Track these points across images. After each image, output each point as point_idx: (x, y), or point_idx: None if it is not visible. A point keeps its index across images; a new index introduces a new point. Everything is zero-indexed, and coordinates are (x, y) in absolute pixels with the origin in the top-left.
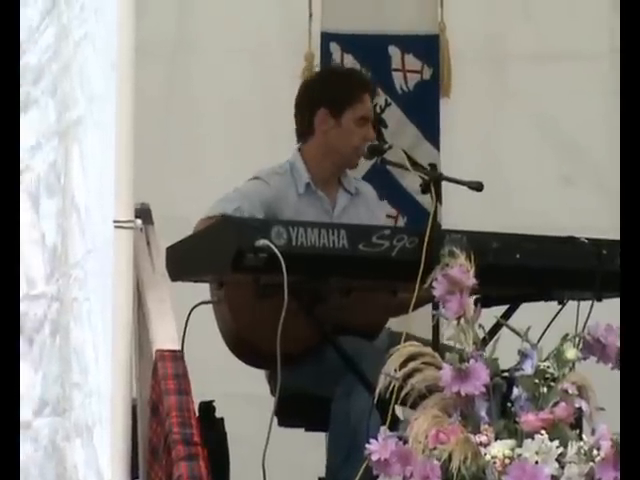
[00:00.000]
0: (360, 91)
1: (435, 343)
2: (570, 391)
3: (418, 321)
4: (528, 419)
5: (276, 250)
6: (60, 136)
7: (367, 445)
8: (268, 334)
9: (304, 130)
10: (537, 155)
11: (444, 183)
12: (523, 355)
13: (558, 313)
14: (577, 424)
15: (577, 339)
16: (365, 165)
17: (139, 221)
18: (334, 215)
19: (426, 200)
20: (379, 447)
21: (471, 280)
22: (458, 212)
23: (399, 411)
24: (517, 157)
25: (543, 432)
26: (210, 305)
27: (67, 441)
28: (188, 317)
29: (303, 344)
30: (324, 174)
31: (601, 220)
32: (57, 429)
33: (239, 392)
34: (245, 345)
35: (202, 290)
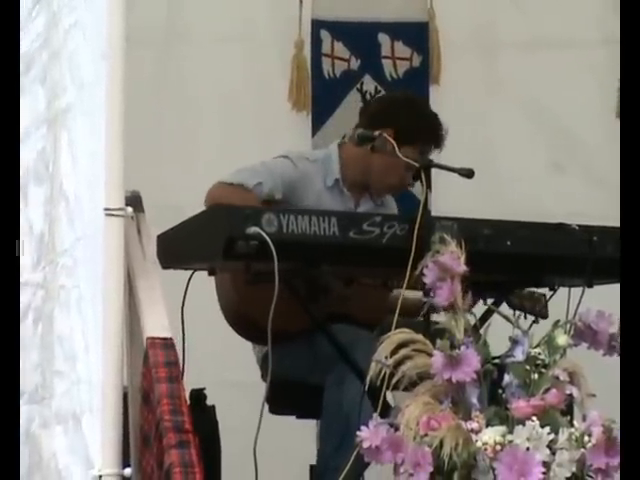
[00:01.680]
0: (429, 143)
1: (427, 330)
2: (561, 377)
3: None
4: (519, 406)
5: (267, 237)
6: (49, 124)
7: (358, 432)
8: (266, 310)
9: None
10: (528, 142)
11: (435, 170)
12: (514, 342)
13: (549, 300)
14: (568, 410)
15: (568, 325)
16: None
17: (130, 209)
18: None
19: (417, 187)
20: (370, 434)
21: (462, 267)
22: (450, 199)
23: (390, 398)
24: (508, 144)
25: (534, 418)
26: (202, 293)
27: (44, 429)
28: (188, 283)
29: (299, 324)
30: (353, 180)
31: (592, 207)
32: (33, 417)
33: (230, 380)
34: (244, 318)
35: (193, 277)
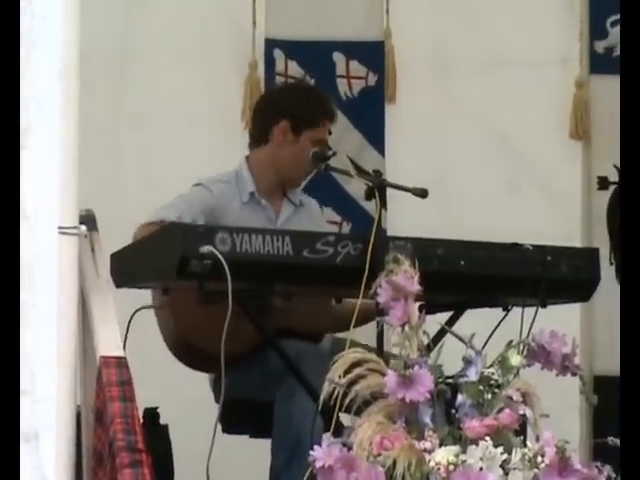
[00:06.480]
0: (325, 117)
1: (380, 350)
2: (514, 398)
3: (362, 327)
4: (472, 425)
5: (220, 257)
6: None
7: (311, 452)
8: (210, 337)
9: (260, 135)
10: (483, 161)
11: (391, 190)
12: (467, 362)
13: (503, 320)
14: (521, 431)
15: (521, 346)
16: None
17: (83, 227)
18: (277, 225)
19: (371, 206)
20: (323, 453)
21: (415, 287)
22: (405, 219)
23: (344, 417)
24: (463, 163)
25: (487, 438)
26: (152, 310)
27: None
28: (129, 322)
29: (246, 346)
30: (268, 184)
31: (549, 226)
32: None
33: (184, 398)
34: (187, 348)
35: (146, 296)
